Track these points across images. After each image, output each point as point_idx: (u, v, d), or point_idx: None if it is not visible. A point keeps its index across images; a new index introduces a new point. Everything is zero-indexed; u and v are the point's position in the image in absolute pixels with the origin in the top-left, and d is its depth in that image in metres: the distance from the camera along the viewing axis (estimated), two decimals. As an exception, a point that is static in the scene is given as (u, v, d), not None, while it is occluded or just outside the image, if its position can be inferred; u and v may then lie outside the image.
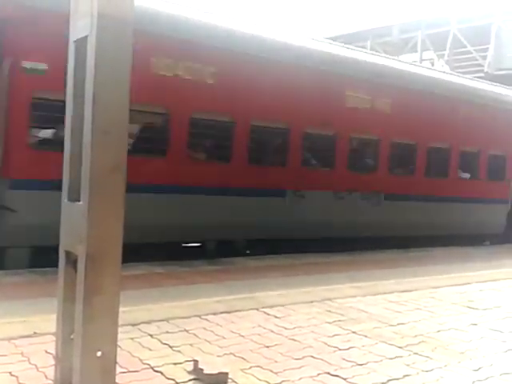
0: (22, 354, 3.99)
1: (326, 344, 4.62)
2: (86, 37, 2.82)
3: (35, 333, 4.42)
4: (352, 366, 4.13)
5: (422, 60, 26.42)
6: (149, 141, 9.09)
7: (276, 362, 4.13)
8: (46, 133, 8.21)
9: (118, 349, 3.07)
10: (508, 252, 13.44)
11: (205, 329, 4.86)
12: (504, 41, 23.47)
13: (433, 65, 26.08)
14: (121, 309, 2.96)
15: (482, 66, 23.90)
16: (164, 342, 4.43)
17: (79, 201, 2.86)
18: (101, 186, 2.78)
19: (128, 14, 2.79)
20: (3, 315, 4.89)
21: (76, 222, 2.87)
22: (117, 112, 2.80)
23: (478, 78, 18.05)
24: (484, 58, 24.01)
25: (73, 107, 3.02)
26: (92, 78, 2.74)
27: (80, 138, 2.85)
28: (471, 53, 24.75)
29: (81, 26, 2.91)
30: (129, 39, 2.82)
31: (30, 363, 3.82)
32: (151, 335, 4.58)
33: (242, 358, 4.16)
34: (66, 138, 3.06)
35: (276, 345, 4.53)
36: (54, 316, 3.16)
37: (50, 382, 3.40)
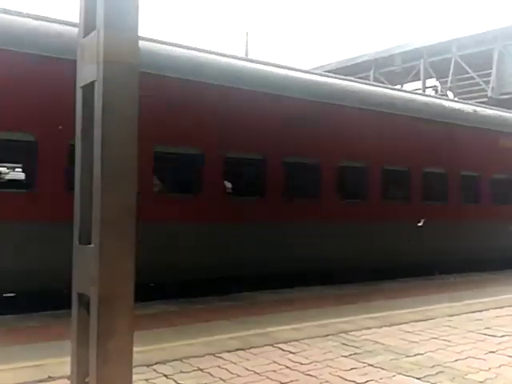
0: (36, 399, 3.98)
1: (342, 378, 4.57)
2: (93, 82, 2.89)
3: (49, 377, 4.41)
4: (370, 399, 4.08)
5: (425, 88, 26.56)
6: None
7: (293, 398, 4.09)
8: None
9: (133, 391, 3.05)
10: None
11: (219, 367, 4.82)
12: (506, 65, 23.60)
13: (436, 92, 26.21)
14: (135, 349, 2.95)
15: (486, 90, 23.99)
16: (179, 382, 4.40)
17: (90, 243, 2.88)
18: (112, 228, 2.80)
19: (134, 59, 2.86)
20: (17, 360, 4.89)
21: (88, 265, 2.89)
22: (125, 155, 2.84)
23: (481, 103, 18.12)
24: (487, 82, 24.11)
25: (81, 151, 3.08)
26: (100, 122, 2.79)
27: (90, 181, 2.89)
28: (474, 78, 24.88)
29: (87, 72, 2.98)
30: (135, 84, 2.87)
31: (45, 408, 3.81)
32: (166, 375, 4.56)
33: (258, 396, 4.12)
34: (76, 182, 3.11)
35: (292, 381, 4.49)
36: (68, 359, 3.16)
37: (66, 427, 3.38)
